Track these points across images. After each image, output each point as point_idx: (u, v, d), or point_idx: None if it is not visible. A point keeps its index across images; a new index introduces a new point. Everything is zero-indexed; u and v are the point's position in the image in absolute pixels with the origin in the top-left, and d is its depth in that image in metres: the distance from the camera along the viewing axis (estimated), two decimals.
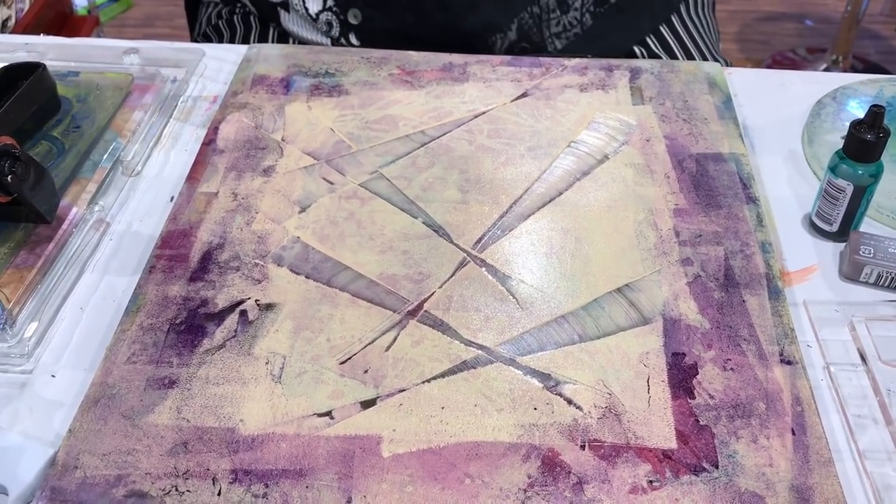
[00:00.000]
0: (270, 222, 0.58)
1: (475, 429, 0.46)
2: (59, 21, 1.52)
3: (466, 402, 0.47)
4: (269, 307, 0.52)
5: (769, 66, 2.40)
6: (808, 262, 0.56)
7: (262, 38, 0.84)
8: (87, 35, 1.60)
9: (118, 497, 0.42)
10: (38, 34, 1.42)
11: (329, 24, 0.80)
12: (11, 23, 1.29)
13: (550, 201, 0.59)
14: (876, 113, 0.52)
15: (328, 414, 0.46)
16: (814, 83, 0.71)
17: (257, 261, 0.55)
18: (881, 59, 2.49)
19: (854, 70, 2.38)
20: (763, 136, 0.66)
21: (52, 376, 0.49)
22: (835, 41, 2.36)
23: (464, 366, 0.49)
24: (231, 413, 0.46)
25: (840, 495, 0.43)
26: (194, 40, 0.91)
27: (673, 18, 0.82)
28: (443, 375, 0.48)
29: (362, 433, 0.45)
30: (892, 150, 0.63)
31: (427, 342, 0.50)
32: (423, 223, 0.58)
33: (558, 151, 0.63)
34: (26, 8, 1.32)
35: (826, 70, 2.36)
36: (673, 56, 0.81)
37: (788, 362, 0.49)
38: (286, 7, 0.81)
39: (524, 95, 0.68)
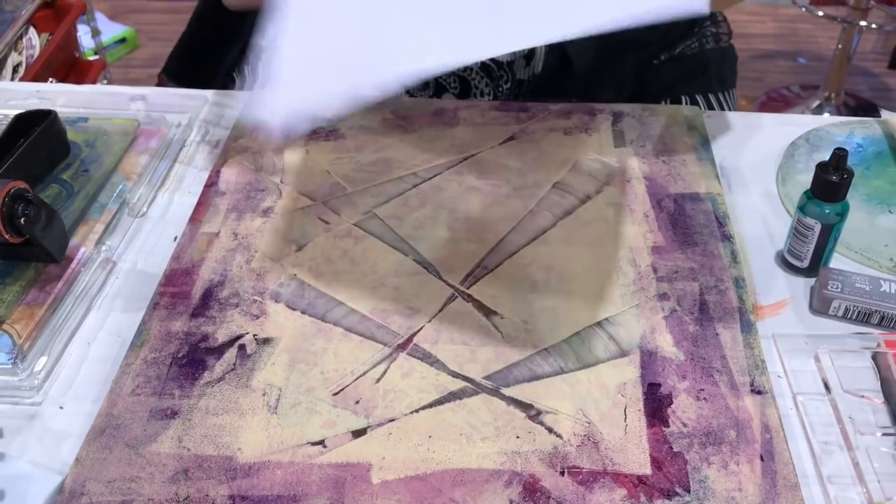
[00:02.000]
0: (269, 261, 0.61)
1: (461, 456, 0.48)
2: (68, 65, 1.56)
3: (453, 431, 0.49)
4: (266, 341, 0.55)
5: (763, 103, 2.45)
6: (780, 296, 0.59)
7: None
8: (95, 77, 1.65)
9: None
10: (48, 78, 1.47)
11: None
12: (22, 68, 1.34)
13: (535, 239, 0.62)
14: (839, 156, 0.55)
15: (321, 443, 0.49)
16: (788, 125, 0.74)
17: (256, 297, 0.58)
18: (873, 96, 2.54)
19: (846, 106, 2.42)
20: (739, 177, 0.69)
21: (60, 408, 0.52)
22: (827, 78, 2.41)
23: (451, 396, 0.51)
24: (229, 442, 0.49)
25: None
26: (222, 79, 0.92)
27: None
28: (430, 406, 0.51)
29: (353, 461, 0.48)
30: (860, 189, 0.66)
31: (416, 374, 0.53)
32: (414, 260, 0.61)
33: (543, 192, 0.66)
34: (36, 54, 1.37)
35: (819, 107, 2.40)
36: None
37: (759, 392, 0.51)
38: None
39: (511, 139, 0.72)
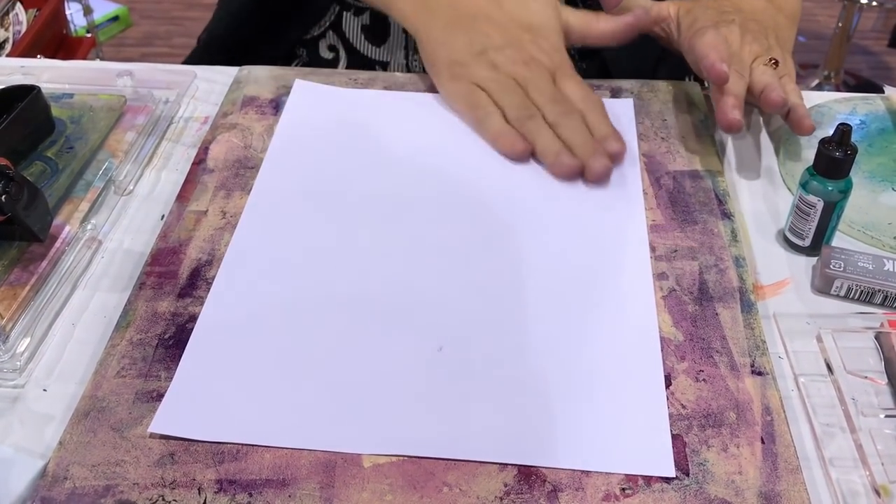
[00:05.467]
0: None
1: None
2: (56, 42, 1.54)
3: None
4: None
5: None
6: (781, 275, 0.58)
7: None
8: (84, 55, 1.62)
9: None
10: (36, 55, 1.45)
11: None
12: (9, 44, 1.31)
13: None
14: (843, 131, 0.54)
15: None
16: None
17: None
18: (872, 75, 2.52)
19: (846, 85, 2.40)
20: (740, 154, 0.68)
21: (44, 390, 0.51)
22: (827, 57, 2.39)
23: None
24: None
25: (806, 501, 0.44)
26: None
27: None
28: None
29: None
30: (863, 166, 0.65)
31: None
32: None
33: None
34: (23, 30, 1.35)
35: (818, 85, 2.38)
36: None
37: (759, 373, 0.50)
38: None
39: None
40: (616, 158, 0.62)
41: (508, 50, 0.64)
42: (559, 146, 0.61)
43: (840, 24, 2.30)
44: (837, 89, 2.35)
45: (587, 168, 0.61)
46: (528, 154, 0.62)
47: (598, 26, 0.69)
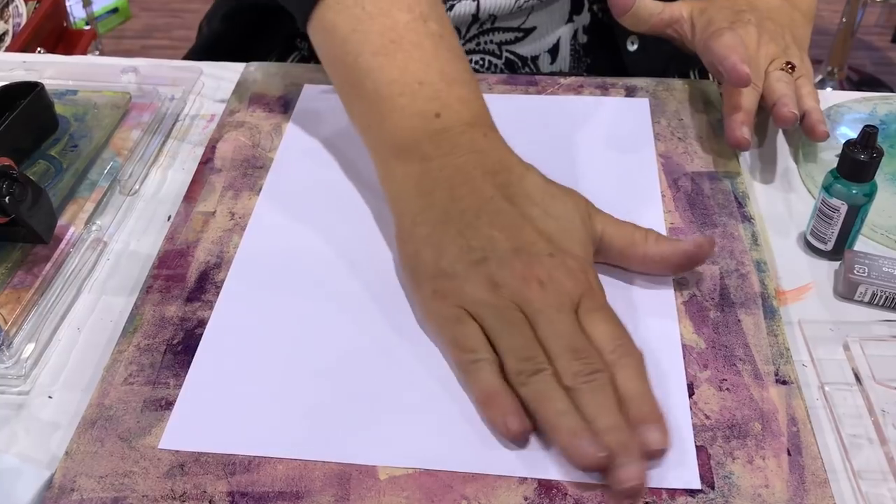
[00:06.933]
0: None
1: None
2: (56, 35, 1.52)
3: None
4: None
5: None
6: (803, 280, 0.56)
7: None
8: (85, 48, 1.61)
9: None
10: (36, 48, 1.43)
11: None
12: (9, 37, 1.30)
13: None
14: (869, 133, 0.53)
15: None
16: None
17: None
18: (876, 71, 2.51)
19: (849, 80, 2.39)
20: (758, 154, 0.67)
21: (49, 397, 0.49)
22: (830, 52, 2.37)
23: None
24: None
25: None
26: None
27: None
28: None
29: None
30: (886, 168, 0.63)
31: None
32: None
33: None
34: (23, 22, 1.33)
35: (822, 81, 2.36)
36: None
37: (784, 382, 0.49)
38: None
39: None
40: (654, 456, 0.43)
41: (518, 262, 0.46)
42: (576, 423, 0.43)
43: (844, 20, 2.28)
44: (841, 85, 2.34)
45: (613, 472, 0.41)
46: (525, 436, 0.45)
47: (652, 249, 0.51)
